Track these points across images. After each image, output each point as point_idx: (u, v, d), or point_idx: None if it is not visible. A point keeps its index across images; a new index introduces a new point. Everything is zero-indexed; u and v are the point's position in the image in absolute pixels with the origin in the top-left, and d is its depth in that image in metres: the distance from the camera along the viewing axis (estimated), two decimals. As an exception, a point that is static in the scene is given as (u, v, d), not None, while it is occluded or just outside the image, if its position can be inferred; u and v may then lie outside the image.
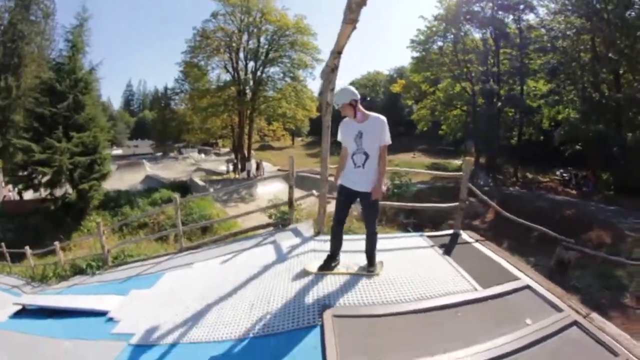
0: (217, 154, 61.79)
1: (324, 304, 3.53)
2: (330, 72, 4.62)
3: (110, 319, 5.03)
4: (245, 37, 38.92)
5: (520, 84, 32.70)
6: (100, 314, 5.36)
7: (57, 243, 11.63)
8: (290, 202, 6.99)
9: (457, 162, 45.29)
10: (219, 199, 27.50)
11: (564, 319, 3.25)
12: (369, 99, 67.58)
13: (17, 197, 27.54)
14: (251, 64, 39.88)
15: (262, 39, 39.22)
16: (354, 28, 3.57)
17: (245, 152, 40.91)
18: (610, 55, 24.87)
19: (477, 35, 35.94)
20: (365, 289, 3.80)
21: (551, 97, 29.73)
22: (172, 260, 7.53)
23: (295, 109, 39.79)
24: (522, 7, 31.98)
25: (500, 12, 32.76)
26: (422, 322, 3.23)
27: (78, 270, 10.23)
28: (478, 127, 34.12)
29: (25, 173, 23.81)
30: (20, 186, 24.90)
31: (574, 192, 26.44)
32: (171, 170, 44.31)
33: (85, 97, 25.56)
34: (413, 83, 41.27)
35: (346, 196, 4.06)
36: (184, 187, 29.30)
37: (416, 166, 30.46)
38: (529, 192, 26.05)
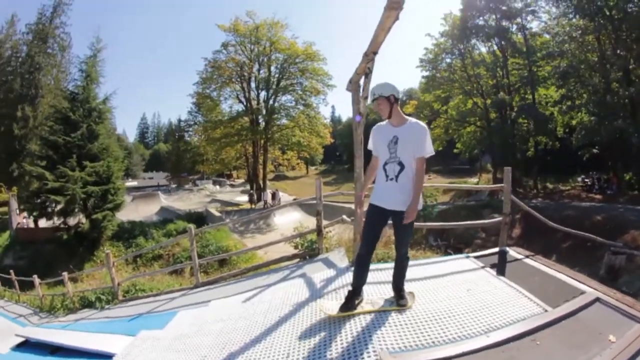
0: (232, 185, 62.14)
1: (380, 349, 2.79)
2: (363, 77, 4.08)
3: (116, 364, 4.44)
4: (256, 66, 39.26)
5: (532, 93, 31.97)
6: (105, 356, 4.86)
7: (65, 274, 11.05)
8: (318, 230, 6.24)
9: (474, 179, 44.72)
10: (236, 229, 26.84)
11: (646, 330, 2.91)
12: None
13: (31, 225, 27.30)
14: (263, 93, 40.09)
15: (272, 68, 39.43)
16: (397, 18, 2.94)
17: (261, 182, 40.59)
18: (618, 52, 24.51)
19: (483, 49, 35.72)
20: (422, 326, 3.13)
21: (564, 103, 28.83)
22: (187, 297, 6.84)
23: (309, 137, 39.39)
24: (524, 14, 31.64)
25: (504, 22, 32.37)
26: (499, 358, 2.69)
27: (87, 303, 9.70)
28: (493, 142, 33.44)
29: (39, 201, 23.46)
30: (34, 214, 24.55)
31: (598, 196, 25.50)
32: (186, 201, 44.14)
33: (99, 126, 25.42)
34: (425, 103, 40.79)
35: (377, 217, 3.38)
36: (199, 218, 28.51)
37: (432, 188, 29.93)
38: (553, 203, 25.08)
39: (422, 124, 3.31)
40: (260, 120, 39.37)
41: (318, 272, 5.04)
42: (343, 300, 3.47)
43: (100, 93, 27.51)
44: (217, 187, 60.43)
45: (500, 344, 2.81)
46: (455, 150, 41.26)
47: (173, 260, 20.39)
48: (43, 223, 25.58)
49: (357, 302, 3.45)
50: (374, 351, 2.76)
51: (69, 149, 23.46)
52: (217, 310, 5.22)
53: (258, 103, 39.62)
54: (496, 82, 33.84)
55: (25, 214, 27.22)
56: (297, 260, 6.51)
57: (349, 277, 4.39)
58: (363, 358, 2.72)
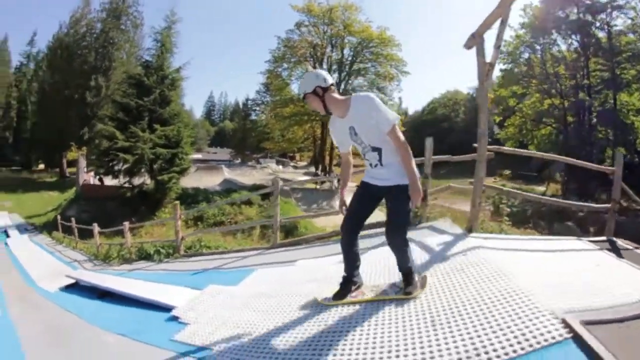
0: (295, 167, 61.83)
1: (552, 309, 2.22)
2: (499, 23, 3.64)
3: (175, 318, 3.76)
4: (329, 48, 39.04)
5: (614, 98, 28.89)
6: (163, 308, 4.18)
7: (126, 223, 10.81)
8: (424, 196, 5.26)
9: (541, 188, 41.86)
10: (299, 207, 26.47)
11: None
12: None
13: (97, 182, 28.60)
14: (335, 75, 39.37)
15: (345, 51, 39.15)
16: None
17: (327, 165, 39.95)
18: None
19: (563, 46, 32.72)
20: (569, 291, 2.59)
21: (648, 113, 26.06)
22: (264, 256, 6.07)
23: (379, 123, 38.25)
24: (608, 9, 28.53)
25: (587, 17, 29.46)
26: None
27: (144, 255, 9.25)
28: (569, 148, 30.29)
29: (107, 159, 24.07)
30: (101, 171, 25.54)
31: (680, 220, 22.92)
32: (249, 177, 44.23)
33: (172, 93, 25.94)
34: (501, 98, 38.08)
35: (365, 195, 2.96)
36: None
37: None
38: (629, 219, 23.03)
39: (365, 94, 2.76)
40: (331, 102, 38.91)
41: (429, 237, 4.21)
42: (338, 288, 3.05)
43: (174, 63, 28.10)
44: (280, 166, 60.29)
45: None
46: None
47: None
48: (108, 182, 26.71)
49: (353, 288, 3.04)
50: (550, 311, 2.20)
51: (140, 112, 24.14)
52: (307, 270, 4.43)
53: (330, 84, 39.08)
54: (575, 83, 31.06)
55: (92, 173, 28.75)
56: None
57: (472, 242, 3.73)
58: (544, 315, 2.17)
